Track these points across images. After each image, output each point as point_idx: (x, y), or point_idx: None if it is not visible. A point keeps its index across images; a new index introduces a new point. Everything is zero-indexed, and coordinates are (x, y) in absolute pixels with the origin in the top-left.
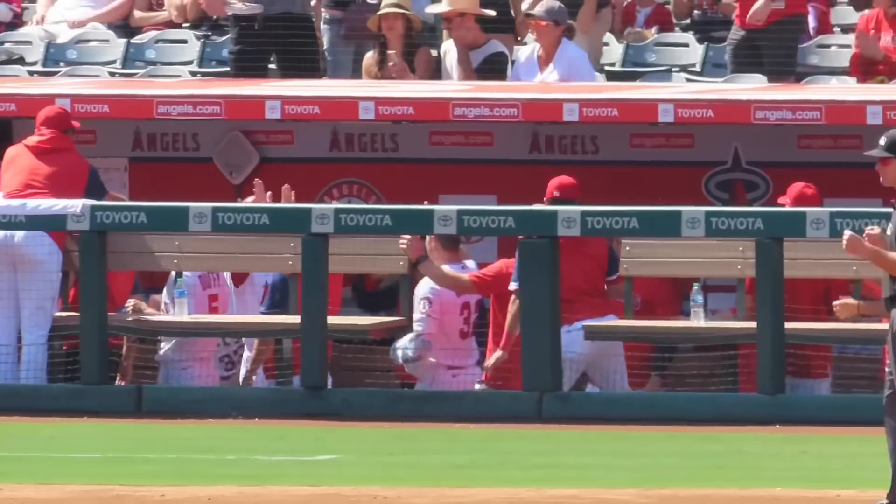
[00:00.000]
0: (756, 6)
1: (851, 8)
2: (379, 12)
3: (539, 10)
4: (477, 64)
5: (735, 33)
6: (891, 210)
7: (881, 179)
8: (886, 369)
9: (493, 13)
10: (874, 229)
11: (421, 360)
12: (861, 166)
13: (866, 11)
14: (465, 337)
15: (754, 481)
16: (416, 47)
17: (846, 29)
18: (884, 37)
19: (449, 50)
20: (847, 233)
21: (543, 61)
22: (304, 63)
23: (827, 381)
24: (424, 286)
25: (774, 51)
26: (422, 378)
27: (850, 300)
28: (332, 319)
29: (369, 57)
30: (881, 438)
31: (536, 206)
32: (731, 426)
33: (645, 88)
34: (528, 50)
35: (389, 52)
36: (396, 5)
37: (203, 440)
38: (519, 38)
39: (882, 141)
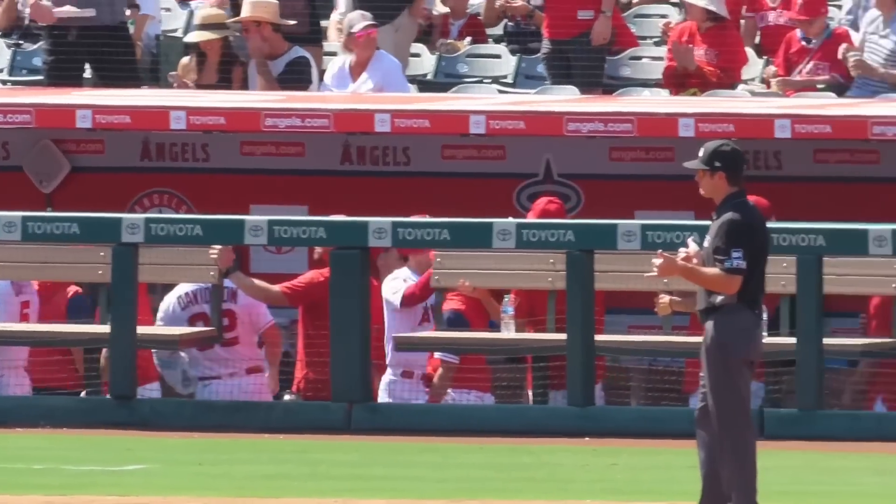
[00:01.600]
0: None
1: (659, 20)
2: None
3: (359, 25)
4: (279, 70)
5: (545, 46)
6: (708, 222)
7: (701, 191)
8: (700, 381)
9: (292, 22)
10: (689, 251)
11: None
12: (673, 178)
13: (679, 24)
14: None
15: (564, 493)
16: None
17: (658, 41)
18: (696, 50)
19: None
20: (656, 260)
21: (356, 71)
22: (122, 73)
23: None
24: (164, 303)
25: (584, 62)
26: (183, 392)
27: (664, 298)
28: (143, 329)
29: (187, 62)
30: (692, 451)
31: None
32: (541, 438)
33: (457, 100)
34: (339, 61)
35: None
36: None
37: (11, 449)
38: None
39: (700, 153)
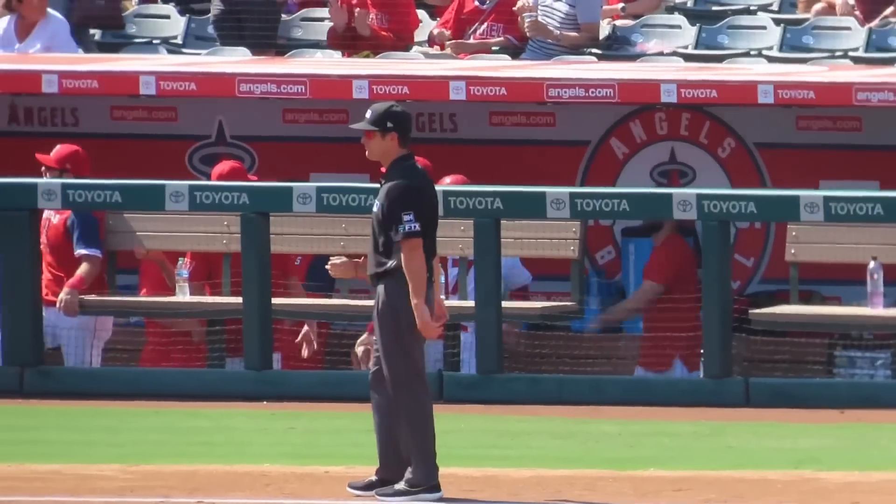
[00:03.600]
0: None
1: None
2: None
3: None
4: None
5: (216, 6)
6: (377, 185)
7: (367, 153)
8: (373, 346)
9: None
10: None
11: None
12: (347, 141)
13: None
14: None
15: (242, 457)
16: None
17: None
18: (369, 14)
19: None
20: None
21: (22, 32)
22: None
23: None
24: None
25: (256, 23)
26: None
27: (346, 259)
28: None
29: None
30: (369, 414)
31: None
32: (218, 402)
33: (127, 60)
34: (3, 22)
35: None
36: None
37: None
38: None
39: (368, 114)
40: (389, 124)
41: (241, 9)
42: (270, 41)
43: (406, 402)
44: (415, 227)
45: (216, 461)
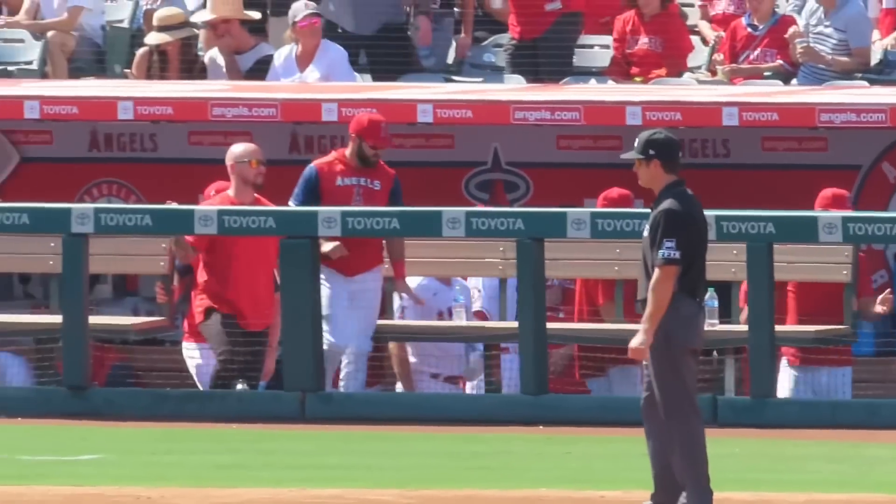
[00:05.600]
0: None
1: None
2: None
3: (302, 13)
4: (247, 68)
5: (510, 42)
6: (649, 210)
7: (639, 181)
8: (644, 371)
9: (258, 16)
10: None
11: None
12: (619, 167)
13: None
14: None
15: (518, 482)
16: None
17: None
18: (641, 39)
19: (216, 56)
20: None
21: (303, 61)
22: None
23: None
24: None
25: (551, 55)
26: None
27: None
28: (94, 319)
29: (143, 54)
30: (643, 439)
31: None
32: (494, 426)
33: (404, 88)
34: (286, 50)
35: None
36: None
37: None
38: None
39: (636, 142)
40: (651, 152)
41: (538, 43)
42: (567, 68)
43: (678, 427)
44: (675, 254)
45: (494, 486)
